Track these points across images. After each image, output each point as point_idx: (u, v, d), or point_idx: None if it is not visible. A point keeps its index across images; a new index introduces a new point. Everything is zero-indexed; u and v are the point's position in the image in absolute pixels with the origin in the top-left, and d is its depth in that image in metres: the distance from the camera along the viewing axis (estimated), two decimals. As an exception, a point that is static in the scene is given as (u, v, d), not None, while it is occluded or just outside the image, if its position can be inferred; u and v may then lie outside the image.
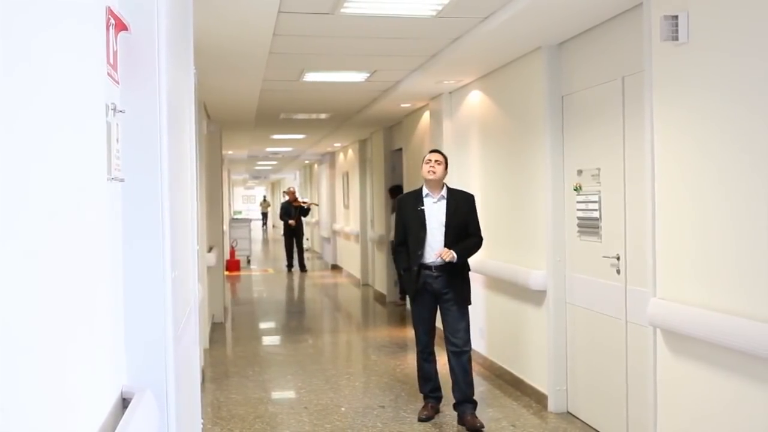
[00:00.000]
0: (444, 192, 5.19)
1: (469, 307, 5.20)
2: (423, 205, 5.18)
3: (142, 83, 2.09)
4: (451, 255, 4.99)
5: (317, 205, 17.58)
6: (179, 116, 2.76)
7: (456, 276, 5.11)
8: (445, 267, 5.08)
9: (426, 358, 5.33)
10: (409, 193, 5.55)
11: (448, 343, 5.14)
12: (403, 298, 10.41)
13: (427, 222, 5.14)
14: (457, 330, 5.11)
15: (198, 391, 3.56)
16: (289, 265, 16.48)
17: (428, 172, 5.16)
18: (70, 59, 1.51)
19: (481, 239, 5.23)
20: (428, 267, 5.12)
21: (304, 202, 17.27)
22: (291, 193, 17.18)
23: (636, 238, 4.32)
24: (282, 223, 17.08)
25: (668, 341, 3.80)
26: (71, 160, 1.50)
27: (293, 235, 16.46)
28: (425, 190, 5.23)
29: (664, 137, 3.82)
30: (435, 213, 5.15)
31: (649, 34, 3.91)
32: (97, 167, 1.76)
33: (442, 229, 5.09)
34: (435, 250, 5.08)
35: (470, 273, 5.23)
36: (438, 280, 5.12)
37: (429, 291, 5.16)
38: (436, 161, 5.18)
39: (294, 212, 16.48)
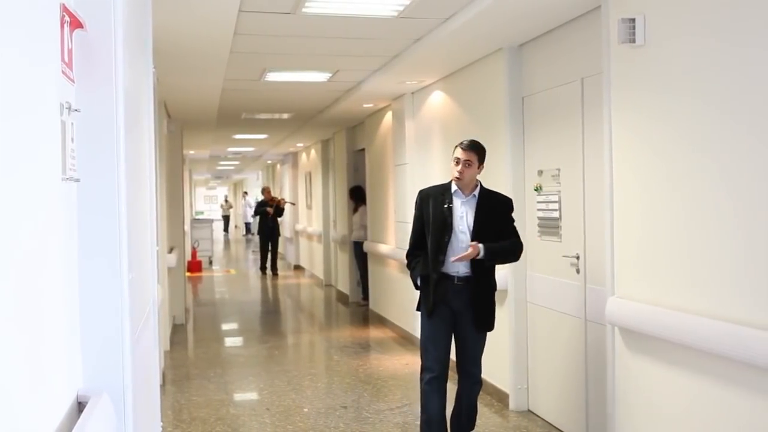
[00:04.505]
0: (477, 191, 4.33)
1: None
2: (451, 203, 4.30)
3: (99, 82, 2.06)
4: (476, 250, 4.11)
5: (294, 204, 16.61)
6: (137, 115, 2.72)
7: (482, 293, 4.27)
8: (471, 279, 4.23)
9: (435, 390, 4.26)
10: (434, 187, 4.57)
11: (464, 372, 4.36)
12: (366, 298, 10.42)
13: (454, 223, 4.26)
14: (476, 358, 4.31)
15: (157, 394, 3.52)
16: (263, 267, 15.66)
17: (455, 178, 4.28)
18: (22, 57, 1.48)
19: (520, 243, 4.37)
20: (450, 278, 4.25)
21: (281, 200, 16.18)
22: (268, 192, 16.26)
23: (595, 238, 4.37)
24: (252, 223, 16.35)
25: (626, 339, 3.86)
26: (23, 159, 1.47)
27: (271, 236, 15.61)
28: (454, 186, 4.34)
29: (621, 138, 3.88)
30: (463, 214, 4.28)
31: (607, 36, 3.96)
32: (52, 167, 1.73)
33: (470, 235, 4.24)
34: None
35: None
36: (460, 295, 4.24)
37: (447, 307, 4.27)
38: (465, 161, 4.25)
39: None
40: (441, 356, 4.27)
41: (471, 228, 4.24)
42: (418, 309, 4.46)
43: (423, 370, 4.32)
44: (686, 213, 3.37)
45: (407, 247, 4.56)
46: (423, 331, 4.37)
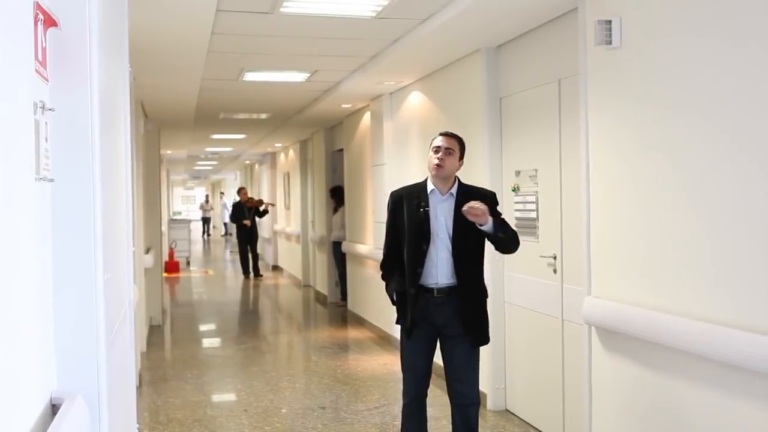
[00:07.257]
0: (454, 189, 3.86)
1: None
2: (427, 205, 3.83)
3: (73, 81, 2.04)
4: (480, 208, 3.59)
5: (274, 205, 16.10)
6: (113, 115, 2.70)
7: (470, 303, 3.80)
8: (455, 289, 3.77)
9: (415, 411, 3.93)
10: (408, 187, 4.08)
11: (454, 393, 3.86)
12: (344, 299, 10.40)
13: (432, 228, 3.79)
14: (466, 377, 3.81)
15: (133, 396, 3.49)
16: (246, 272, 15.06)
17: (434, 166, 3.80)
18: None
19: (516, 234, 3.89)
20: (429, 290, 3.80)
21: (259, 202, 15.49)
22: (244, 193, 15.58)
23: (572, 238, 4.40)
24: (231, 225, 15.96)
25: (602, 338, 3.89)
26: (-4, 159, 1.45)
27: (249, 239, 15.03)
28: (430, 185, 3.87)
29: (598, 138, 3.91)
30: (442, 216, 3.80)
31: (583, 37, 3.99)
32: (25, 167, 1.71)
33: (450, 240, 3.78)
34: (439, 267, 3.76)
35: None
36: (442, 308, 3.79)
37: (429, 323, 3.83)
38: (446, 149, 3.79)
39: (248, 213, 14.99)
40: (422, 378, 3.93)
41: (451, 232, 3.78)
42: (397, 322, 4.01)
43: (404, 393, 3.98)
44: (662, 214, 3.40)
45: (382, 256, 4.12)
46: (402, 350, 3.98)
